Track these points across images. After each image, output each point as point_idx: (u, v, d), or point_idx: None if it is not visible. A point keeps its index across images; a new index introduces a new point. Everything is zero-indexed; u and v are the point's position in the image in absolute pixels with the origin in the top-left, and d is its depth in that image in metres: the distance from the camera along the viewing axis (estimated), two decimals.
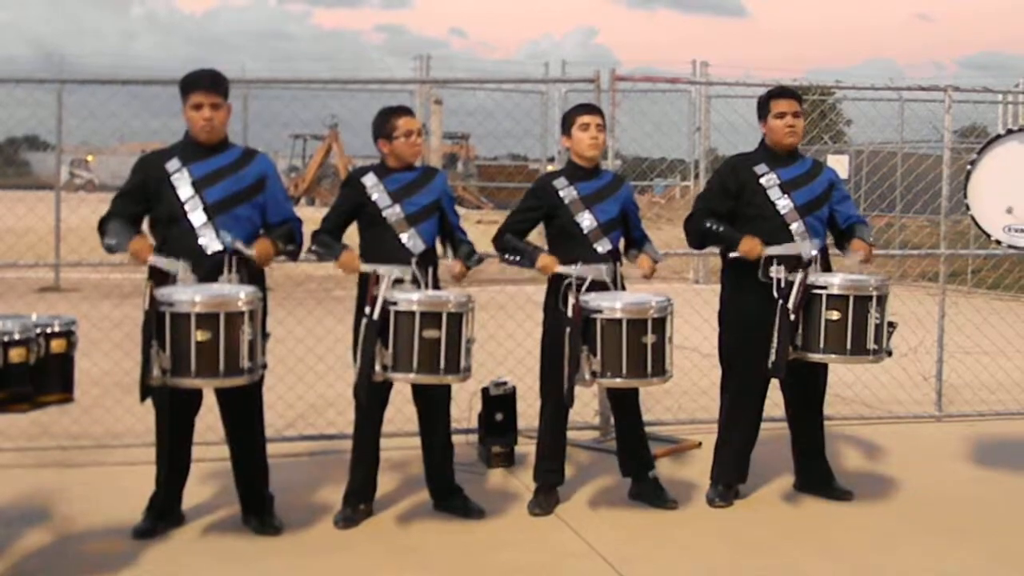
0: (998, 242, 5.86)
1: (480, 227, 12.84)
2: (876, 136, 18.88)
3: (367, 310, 5.17)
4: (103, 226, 5.27)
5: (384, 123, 5.64)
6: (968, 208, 5.85)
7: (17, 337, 4.32)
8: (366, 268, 5.37)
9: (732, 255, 5.77)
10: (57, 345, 4.56)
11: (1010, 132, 5.93)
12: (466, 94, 16.75)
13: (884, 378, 8.20)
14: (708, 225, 5.87)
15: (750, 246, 5.67)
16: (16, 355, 4.30)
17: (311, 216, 5.96)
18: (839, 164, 15.99)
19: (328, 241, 5.57)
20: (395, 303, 5.13)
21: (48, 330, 4.52)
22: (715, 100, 16.33)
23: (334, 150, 31.53)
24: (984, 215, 5.81)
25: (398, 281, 5.37)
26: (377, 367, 5.13)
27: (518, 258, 5.80)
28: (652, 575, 4.96)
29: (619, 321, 5.29)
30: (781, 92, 6.01)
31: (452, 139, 31.12)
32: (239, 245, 5.16)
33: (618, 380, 5.41)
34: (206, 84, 5.32)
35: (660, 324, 5.35)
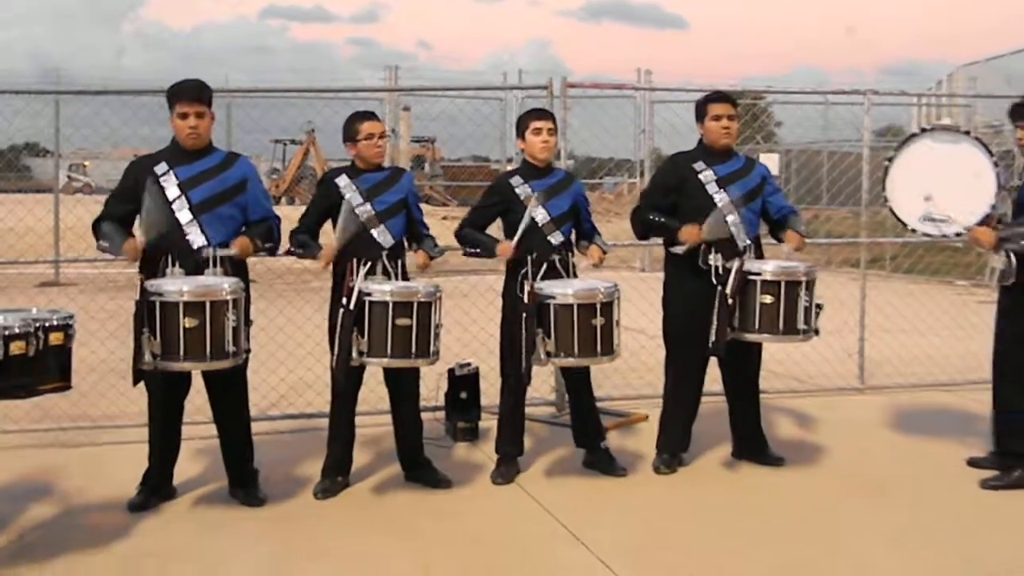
0: (913, 231, 5.90)
1: (445, 223, 12.82)
2: (803, 136, 19.07)
3: (344, 300, 5.15)
4: (97, 228, 5.23)
5: (350, 127, 5.63)
6: (886, 200, 5.88)
7: (17, 331, 4.27)
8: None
9: (674, 250, 5.78)
10: (55, 337, 4.51)
11: (923, 131, 5.97)
12: (432, 101, 16.73)
13: (812, 355, 8.25)
14: (651, 217, 5.90)
15: (688, 233, 5.68)
16: (16, 348, 4.26)
17: (289, 214, 5.94)
18: (770, 162, 16.05)
19: (306, 241, 5.56)
20: (370, 294, 5.12)
21: (47, 324, 4.47)
22: (658, 105, 16.35)
23: (311, 154, 31.39)
24: (900, 206, 5.84)
25: (370, 272, 5.37)
26: (354, 353, 5.12)
27: (478, 250, 5.81)
28: (604, 537, 4.96)
29: (571, 306, 5.30)
30: (717, 97, 6.02)
31: (419, 142, 31.00)
32: (220, 252, 5.13)
33: (570, 360, 5.42)
34: (191, 95, 5.27)
35: (608, 308, 5.36)
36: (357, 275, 5.25)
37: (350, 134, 5.62)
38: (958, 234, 5.88)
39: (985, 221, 5.70)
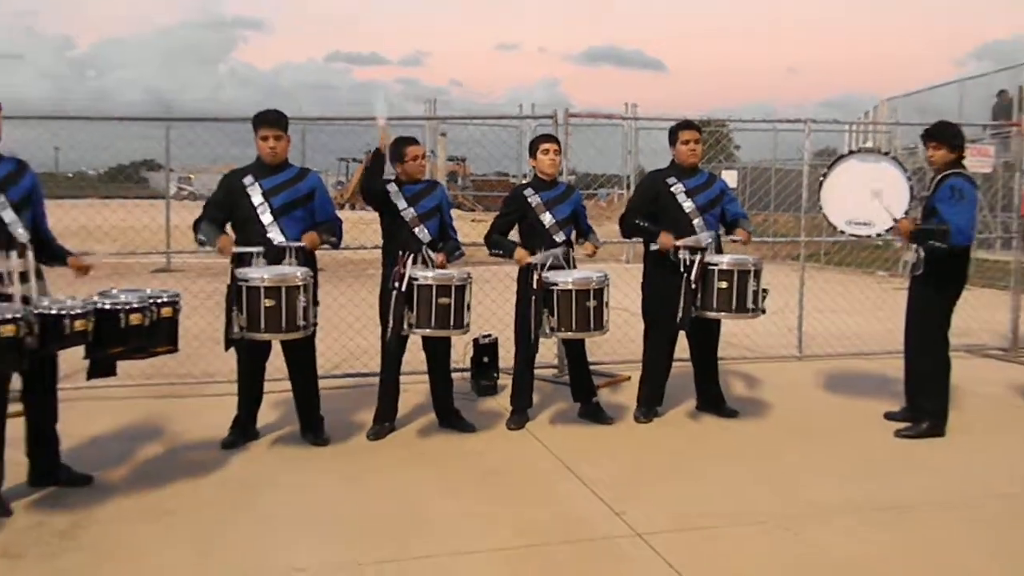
0: (842, 232, 5.85)
1: (474, 224, 12.85)
2: (756, 156, 18.96)
3: (397, 284, 5.17)
4: (196, 226, 5.24)
5: (398, 150, 5.60)
6: (821, 208, 5.83)
7: (135, 306, 4.31)
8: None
9: (652, 247, 5.78)
10: (166, 311, 4.53)
11: (850, 153, 5.92)
12: (462, 128, 16.69)
13: (760, 330, 8.23)
14: (636, 222, 5.88)
15: (665, 240, 5.69)
16: (134, 319, 4.29)
17: (349, 216, 5.93)
18: (730, 177, 15.87)
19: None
20: (417, 279, 5.14)
21: (159, 300, 4.50)
22: (642, 132, 16.26)
23: None
24: (832, 212, 5.78)
25: (415, 263, 5.36)
26: (405, 324, 5.15)
27: (501, 252, 5.80)
28: (594, 471, 4.97)
29: (570, 291, 5.30)
30: (685, 125, 5.99)
31: (453, 160, 30.92)
32: (294, 244, 5.16)
33: (569, 333, 5.43)
34: (271, 121, 5.28)
35: (599, 293, 5.35)
36: (406, 264, 5.28)
37: (399, 155, 5.60)
38: (879, 234, 5.85)
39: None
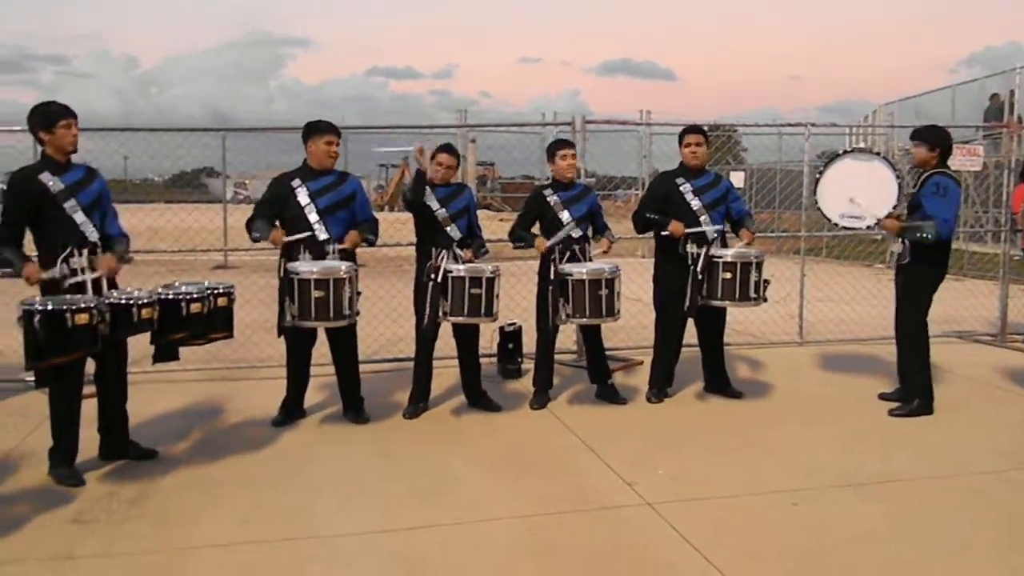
0: (836, 225, 5.79)
1: (502, 223, 12.88)
2: (762, 158, 18.75)
3: (433, 276, 5.21)
4: (249, 224, 5.29)
5: (431, 157, 5.63)
6: (817, 203, 5.78)
7: (195, 296, 4.39)
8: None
9: (664, 233, 5.76)
10: (222, 301, 4.63)
11: (845, 152, 5.84)
12: (491, 135, 16.68)
13: (764, 317, 8.19)
14: (648, 216, 5.87)
15: (675, 227, 5.68)
16: (194, 308, 4.38)
17: (386, 217, 5.96)
18: (738, 177, 15.81)
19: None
20: (451, 272, 5.18)
21: (216, 291, 4.58)
22: (655, 136, 16.15)
23: (406, 174, 31.43)
24: (827, 207, 5.72)
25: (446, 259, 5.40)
26: (440, 312, 5.20)
27: (523, 243, 5.82)
28: (608, 446, 4.99)
29: (584, 280, 5.32)
30: (689, 129, 5.97)
31: (483, 165, 30.93)
32: (338, 246, 5.21)
33: (584, 319, 5.45)
34: (335, 130, 5.35)
35: (611, 283, 5.36)
36: (441, 259, 5.33)
37: (431, 158, 5.61)
38: (870, 227, 5.79)
39: (888, 217, 5.62)
